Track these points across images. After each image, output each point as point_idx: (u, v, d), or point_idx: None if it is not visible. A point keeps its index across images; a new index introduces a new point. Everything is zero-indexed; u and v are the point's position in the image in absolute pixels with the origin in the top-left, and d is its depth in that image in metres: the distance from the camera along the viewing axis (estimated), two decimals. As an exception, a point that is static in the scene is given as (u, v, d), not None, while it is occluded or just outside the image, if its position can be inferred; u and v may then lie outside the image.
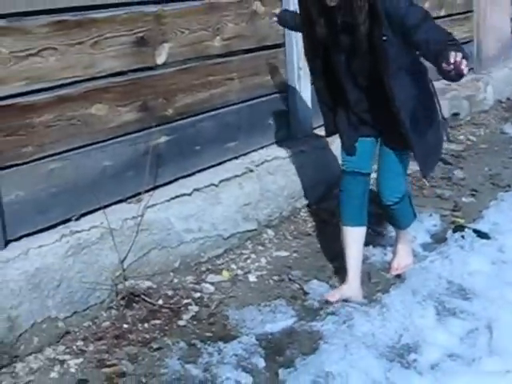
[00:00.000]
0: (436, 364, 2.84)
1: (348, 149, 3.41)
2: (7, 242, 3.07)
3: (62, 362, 2.99)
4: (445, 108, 6.01)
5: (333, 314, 3.26)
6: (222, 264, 3.83)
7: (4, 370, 2.91)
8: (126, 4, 3.47)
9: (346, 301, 3.36)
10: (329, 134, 3.60)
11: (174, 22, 3.74)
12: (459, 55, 2.72)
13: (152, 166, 3.63)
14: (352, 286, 3.42)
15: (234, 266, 3.81)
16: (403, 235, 3.68)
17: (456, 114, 6.49)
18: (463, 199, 4.71)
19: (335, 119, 3.45)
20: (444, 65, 2.75)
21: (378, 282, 3.61)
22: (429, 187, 4.89)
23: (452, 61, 2.71)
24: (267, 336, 3.15)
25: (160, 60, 3.69)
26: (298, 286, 3.58)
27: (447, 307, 3.25)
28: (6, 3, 2.94)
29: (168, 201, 3.67)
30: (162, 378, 2.88)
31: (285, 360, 2.97)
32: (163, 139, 3.74)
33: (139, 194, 3.57)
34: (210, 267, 3.78)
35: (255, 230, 4.09)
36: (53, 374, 2.93)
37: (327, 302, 3.37)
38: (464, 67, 2.72)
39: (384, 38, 3.04)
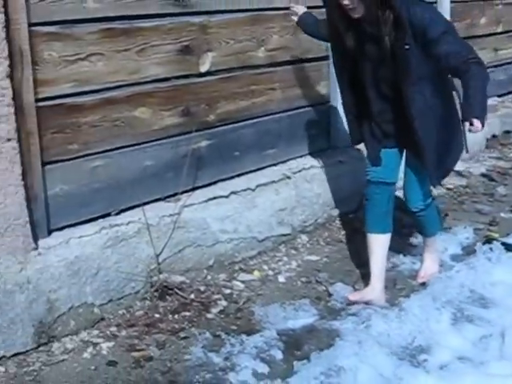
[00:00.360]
0: (445, 365, 2.94)
1: (373, 159, 3.52)
2: (50, 231, 3.31)
3: (95, 345, 3.21)
4: (496, 125, 6.11)
5: (353, 314, 3.40)
6: (255, 264, 4.01)
7: (41, 348, 3.15)
8: (171, 14, 3.68)
9: (368, 303, 3.49)
10: (354, 142, 3.71)
11: (219, 33, 3.94)
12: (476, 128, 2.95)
13: (191, 168, 3.83)
14: (375, 290, 3.54)
15: (265, 267, 3.99)
16: (430, 243, 3.79)
17: (508, 132, 6.52)
18: (502, 214, 4.77)
19: (360, 129, 3.55)
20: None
21: (403, 288, 3.73)
22: (470, 202, 4.97)
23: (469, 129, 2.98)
24: (288, 331, 3.31)
25: (204, 68, 3.89)
26: (323, 287, 3.73)
27: (465, 314, 3.35)
28: (58, 11, 3.18)
29: (205, 202, 3.86)
30: (186, 363, 3.06)
31: (302, 354, 3.12)
32: (204, 143, 3.94)
33: (178, 193, 3.76)
34: (242, 267, 3.97)
35: (289, 234, 4.26)
36: (85, 355, 3.14)
37: (348, 303, 3.52)
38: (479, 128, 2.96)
39: (407, 46, 3.13)
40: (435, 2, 5.62)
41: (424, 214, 3.59)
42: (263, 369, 3.00)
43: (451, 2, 5.85)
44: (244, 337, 3.24)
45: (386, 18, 3.12)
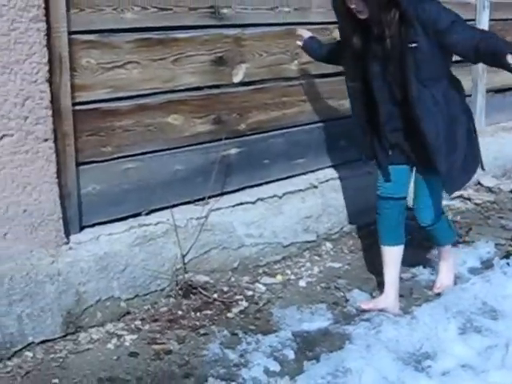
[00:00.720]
0: (448, 371, 3.04)
1: (383, 174, 3.58)
2: (82, 228, 3.50)
3: (120, 337, 3.39)
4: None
5: (366, 320, 3.52)
6: (278, 269, 4.15)
7: (69, 336, 3.34)
8: (207, 26, 3.86)
9: (382, 311, 3.60)
10: (368, 158, 3.72)
11: (252, 45, 4.10)
12: None
13: (220, 173, 4.00)
14: (388, 298, 3.64)
15: (288, 272, 4.13)
16: (444, 253, 3.87)
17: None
18: (526, 231, 4.84)
19: (371, 144, 3.60)
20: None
21: (418, 297, 3.82)
22: (495, 217, 5.03)
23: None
24: (303, 333, 3.44)
25: (236, 79, 4.06)
26: (341, 293, 3.85)
27: (474, 325, 3.43)
28: (97, 21, 3.38)
29: (232, 206, 4.02)
30: (203, 358, 3.22)
31: (313, 355, 3.25)
32: (233, 151, 4.10)
33: (206, 198, 3.92)
34: (266, 270, 4.12)
35: (314, 241, 4.39)
36: (109, 346, 3.32)
37: (362, 311, 3.63)
38: None
39: (414, 44, 3.17)
40: (474, 20, 5.70)
41: (434, 227, 3.67)
42: (275, 367, 3.13)
43: (490, 20, 5.91)
44: (260, 336, 3.39)
45: (391, 17, 3.16)
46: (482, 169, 3.59)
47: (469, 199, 5.10)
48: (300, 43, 4.02)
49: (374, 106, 3.49)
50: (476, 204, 5.20)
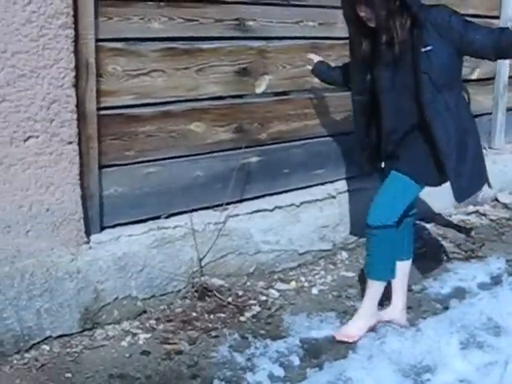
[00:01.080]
0: (445, 386, 3.12)
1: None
2: (102, 228, 3.63)
3: (134, 335, 3.51)
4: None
5: (372, 330, 3.59)
6: (293, 276, 4.25)
7: (85, 332, 3.47)
8: (232, 38, 3.97)
9: (389, 322, 3.67)
10: (365, 172, 3.79)
11: (276, 57, 4.20)
12: None
13: (240, 181, 4.10)
14: (395, 310, 3.70)
15: (302, 279, 4.22)
16: (369, 289, 3.58)
17: None
18: (539, 248, 4.86)
19: (370, 158, 3.65)
20: None
21: (426, 310, 3.88)
22: (510, 234, 5.06)
23: None
24: (310, 340, 3.52)
25: (259, 90, 4.17)
26: (352, 302, 3.93)
27: (477, 340, 3.47)
28: (124, 29, 3.51)
29: (250, 213, 4.12)
30: (211, 360, 3.33)
31: (317, 362, 3.33)
32: (254, 159, 4.21)
33: (225, 204, 4.03)
34: (281, 277, 4.22)
35: (330, 250, 4.48)
36: (123, 343, 3.44)
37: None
38: None
39: (428, 47, 3.17)
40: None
41: (378, 234, 3.44)
42: (279, 372, 3.22)
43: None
44: (269, 341, 3.48)
45: (402, 23, 3.16)
46: (489, 186, 3.60)
47: (484, 215, 5.14)
48: (310, 67, 4.09)
49: (376, 121, 3.52)
50: (491, 220, 5.23)
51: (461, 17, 3.27)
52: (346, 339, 3.47)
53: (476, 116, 5.21)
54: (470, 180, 3.43)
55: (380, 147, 3.56)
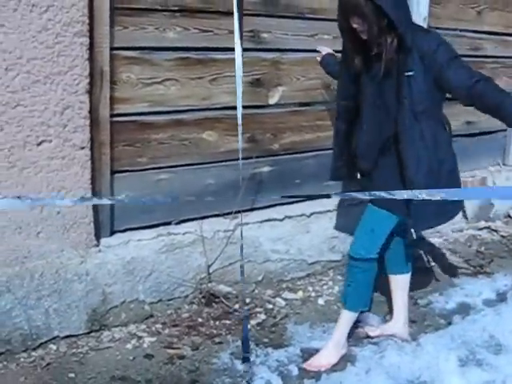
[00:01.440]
0: (441, 403, 3.14)
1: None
2: (113, 232, 3.71)
3: (139, 338, 3.59)
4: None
5: (374, 343, 3.63)
6: (301, 285, 4.30)
7: (92, 334, 3.56)
8: (246, 49, 3.96)
9: (391, 335, 3.69)
10: (332, 178, 3.73)
11: (290, 69, 4.26)
12: None
13: (251, 190, 4.16)
14: (397, 324, 3.72)
15: (310, 288, 4.27)
16: (340, 318, 3.57)
17: None
18: (547, 265, 4.85)
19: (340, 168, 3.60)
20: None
21: (430, 324, 3.90)
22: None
23: None
24: (311, 351, 3.56)
25: (272, 101, 4.22)
26: (355, 314, 3.97)
27: (476, 357, 3.48)
28: (139, 38, 3.58)
29: (260, 222, 4.17)
30: (212, 366, 3.39)
31: (315, 373, 3.38)
32: (266, 169, 4.26)
33: (235, 212, 4.07)
34: (289, 286, 4.27)
35: (339, 261, 4.51)
36: (128, 346, 3.52)
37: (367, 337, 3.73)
38: None
39: (410, 73, 3.10)
40: None
41: (358, 266, 3.43)
42: (276, 381, 3.27)
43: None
44: (270, 350, 3.54)
45: (389, 42, 3.09)
46: (465, 218, 3.55)
47: (496, 231, 5.13)
48: (319, 58, 4.07)
49: (356, 131, 3.44)
50: (502, 236, 5.22)
51: (449, 49, 3.17)
52: (316, 369, 3.41)
53: (491, 133, 5.32)
54: (432, 214, 3.31)
55: (357, 158, 3.48)
